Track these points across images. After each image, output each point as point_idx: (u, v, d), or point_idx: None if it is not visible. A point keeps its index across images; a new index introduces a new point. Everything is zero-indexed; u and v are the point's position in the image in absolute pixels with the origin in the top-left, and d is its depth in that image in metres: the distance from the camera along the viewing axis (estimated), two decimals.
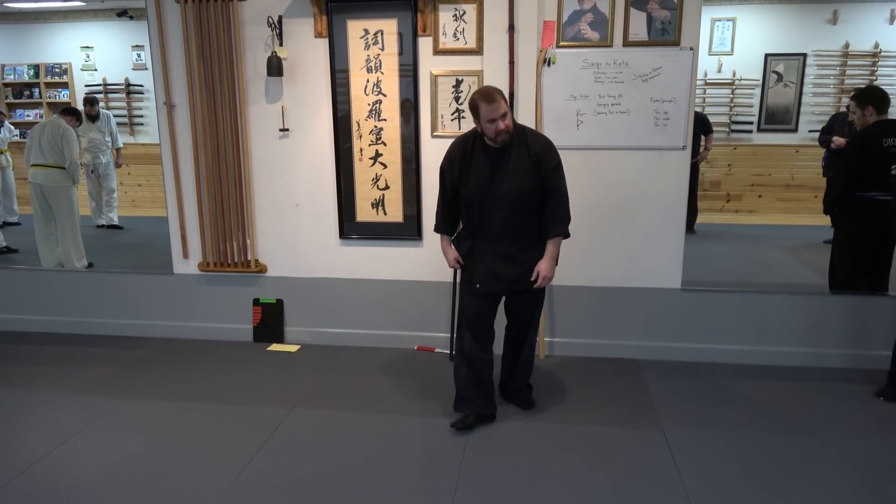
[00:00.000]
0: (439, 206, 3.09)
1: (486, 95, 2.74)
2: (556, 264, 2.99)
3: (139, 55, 7.19)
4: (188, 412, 3.29)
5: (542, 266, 2.91)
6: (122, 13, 6.86)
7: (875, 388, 3.40)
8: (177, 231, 4.12)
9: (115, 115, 7.03)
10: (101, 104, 7.05)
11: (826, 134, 5.67)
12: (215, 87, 3.84)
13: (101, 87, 7.36)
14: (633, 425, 3.11)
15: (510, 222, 2.89)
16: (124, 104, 7.46)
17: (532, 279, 2.92)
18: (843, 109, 6.07)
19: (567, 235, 2.97)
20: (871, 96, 3.77)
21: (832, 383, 3.54)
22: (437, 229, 3.15)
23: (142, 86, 7.32)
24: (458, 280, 3.89)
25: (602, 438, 2.98)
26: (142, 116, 7.42)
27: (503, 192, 2.85)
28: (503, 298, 3.11)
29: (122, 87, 7.38)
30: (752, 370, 3.71)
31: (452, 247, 3.10)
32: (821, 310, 3.75)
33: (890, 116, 3.82)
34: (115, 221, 6.80)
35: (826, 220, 4.65)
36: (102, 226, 6.72)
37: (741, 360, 3.81)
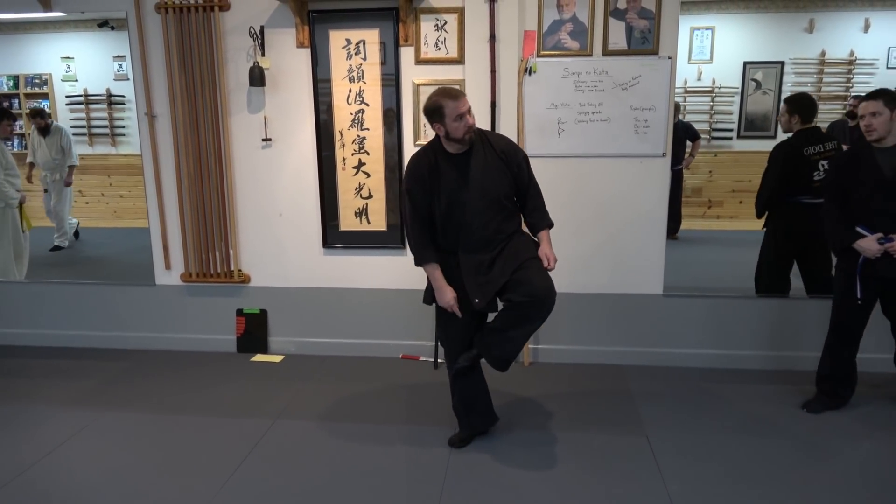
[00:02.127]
0: (415, 232, 2.78)
1: (447, 93, 2.61)
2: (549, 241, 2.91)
3: (121, 66, 7.13)
4: (172, 424, 3.26)
5: (548, 251, 2.82)
6: (104, 24, 6.80)
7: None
8: (159, 242, 4.10)
9: (96, 126, 6.97)
10: (81, 114, 6.98)
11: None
12: (197, 98, 3.84)
13: (81, 98, 7.31)
14: (617, 430, 3.13)
15: (489, 227, 2.73)
16: (106, 115, 7.40)
17: (546, 265, 2.77)
18: (841, 117, 6.17)
19: (552, 225, 2.91)
20: (801, 105, 3.82)
21: (811, 386, 3.57)
22: (419, 261, 2.81)
23: (123, 96, 7.27)
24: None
25: (586, 444, 2.99)
26: (124, 127, 7.36)
27: (477, 196, 2.70)
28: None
29: (104, 97, 7.33)
30: (733, 374, 3.75)
31: (447, 284, 2.78)
32: (801, 313, 3.80)
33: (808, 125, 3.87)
34: (60, 243, 6.17)
35: None
36: (61, 248, 6.16)
37: (723, 364, 3.85)
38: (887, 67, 6.99)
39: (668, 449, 2.95)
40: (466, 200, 2.71)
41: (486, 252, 2.76)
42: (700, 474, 2.75)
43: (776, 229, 3.99)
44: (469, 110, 2.63)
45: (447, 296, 2.77)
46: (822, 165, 3.73)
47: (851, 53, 7.00)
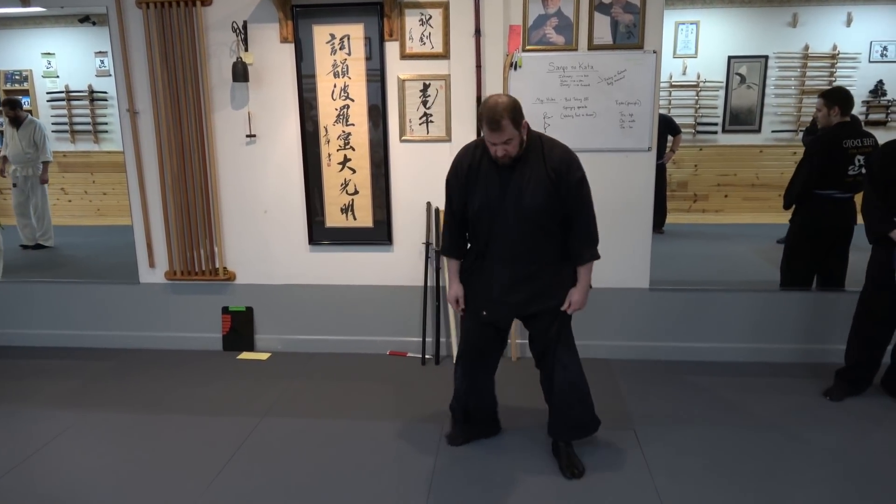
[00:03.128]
0: (446, 223, 2.72)
1: (490, 121, 2.37)
2: (587, 287, 2.66)
3: (102, 61, 7.07)
4: (157, 423, 3.24)
5: (576, 296, 2.60)
6: (85, 19, 6.72)
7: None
8: (142, 240, 4.06)
9: (78, 123, 6.90)
10: (63, 110, 6.90)
11: (810, 135, 5.77)
12: (180, 94, 3.80)
13: (63, 95, 7.22)
14: (605, 424, 3.12)
15: (522, 243, 2.55)
16: (88, 112, 7.32)
17: (563, 308, 2.62)
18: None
19: (598, 257, 2.62)
20: (840, 97, 3.84)
21: (794, 378, 3.61)
22: (443, 251, 2.78)
23: (105, 92, 7.20)
24: (429, 283, 3.90)
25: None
26: (106, 124, 7.29)
27: (514, 209, 2.51)
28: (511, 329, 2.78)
29: (86, 94, 7.25)
30: (719, 367, 3.77)
31: (458, 280, 2.74)
32: (782, 306, 3.83)
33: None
34: (46, 243, 6.14)
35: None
36: (27, 246, 6.07)
37: (709, 357, 3.87)
38: (869, 61, 7.06)
39: (654, 442, 2.97)
40: (500, 210, 2.53)
41: (511, 269, 2.59)
42: (687, 467, 2.77)
43: (804, 223, 3.98)
44: (507, 141, 2.41)
45: (452, 291, 2.75)
46: (859, 160, 3.74)
47: (834, 48, 7.06)
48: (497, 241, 2.58)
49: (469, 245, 2.75)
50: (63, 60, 7.19)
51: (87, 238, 6.65)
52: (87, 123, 7.29)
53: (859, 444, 2.94)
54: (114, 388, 3.66)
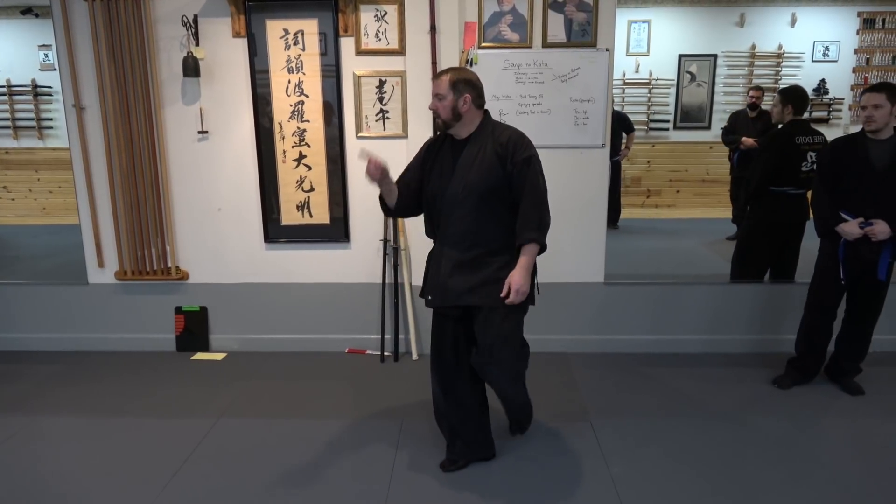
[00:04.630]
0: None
1: (435, 74, 2.63)
2: (529, 267, 2.48)
3: (46, 55, 6.84)
4: (109, 427, 3.15)
5: (515, 276, 2.43)
6: (27, 11, 6.50)
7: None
8: (91, 239, 3.94)
9: (21, 118, 6.67)
10: (5, 105, 6.65)
11: (730, 133, 5.95)
12: (128, 89, 3.70)
13: (5, 89, 6.96)
14: (562, 416, 3.19)
15: (465, 223, 2.50)
16: (32, 107, 7.07)
17: (503, 294, 2.45)
18: (740, 107, 6.39)
19: (542, 244, 2.48)
20: (795, 96, 3.95)
21: (746, 368, 3.72)
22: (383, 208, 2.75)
23: (50, 87, 6.97)
24: (387, 280, 3.89)
25: (531, 431, 3.03)
26: (51, 119, 7.06)
27: (461, 186, 2.48)
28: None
29: (29, 88, 7.00)
30: (674, 359, 3.87)
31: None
32: (733, 299, 3.94)
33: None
34: None
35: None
36: None
37: (662, 349, 3.96)
38: (812, 60, 7.31)
39: (610, 433, 3.03)
40: (448, 188, 2.51)
41: (457, 250, 2.53)
42: (642, 456, 2.83)
43: (760, 219, 4.09)
44: (437, 95, 2.47)
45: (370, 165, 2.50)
46: (811, 157, 3.85)
47: (780, 47, 7.29)
48: (445, 221, 2.55)
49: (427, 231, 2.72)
50: (4, 54, 6.93)
51: (32, 238, 6.43)
52: (31, 119, 7.04)
53: (806, 431, 3.05)
54: (63, 392, 3.55)
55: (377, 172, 2.49)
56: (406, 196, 2.65)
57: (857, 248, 3.16)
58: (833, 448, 2.90)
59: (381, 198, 2.69)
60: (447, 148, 2.58)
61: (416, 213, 2.74)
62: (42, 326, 4.12)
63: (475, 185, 2.46)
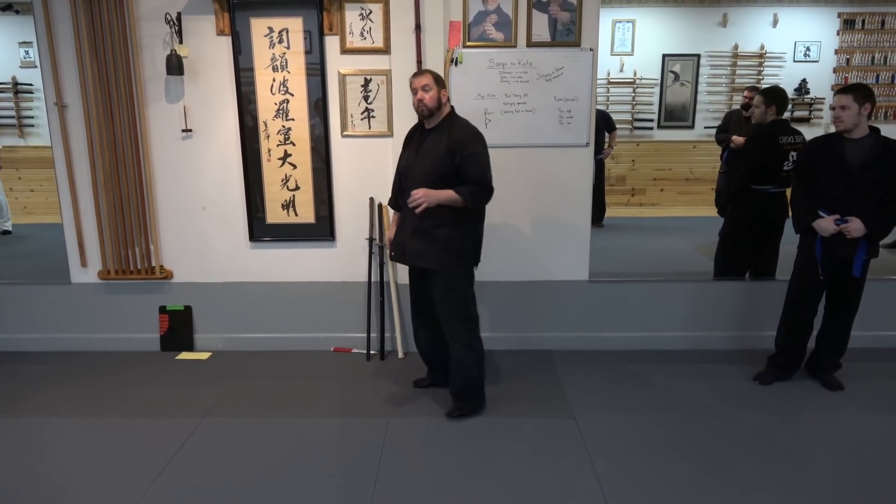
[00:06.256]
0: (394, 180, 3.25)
1: (418, 72, 2.99)
2: (442, 202, 2.88)
3: (27, 52, 6.76)
4: (92, 427, 3.13)
5: (426, 190, 2.89)
6: (7, 7, 6.42)
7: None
8: (73, 238, 3.91)
9: (2, 117, 6.59)
10: None
11: (723, 132, 6.01)
12: (111, 87, 3.67)
13: None
14: (547, 413, 3.21)
15: None
16: (12, 104, 6.99)
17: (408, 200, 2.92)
18: (736, 107, 6.46)
19: (467, 204, 2.89)
20: (777, 96, 4.00)
21: (729, 364, 3.76)
22: (389, 203, 3.32)
23: (31, 84, 6.89)
24: (373, 279, 3.90)
25: (517, 428, 3.06)
26: (32, 117, 6.98)
27: (418, 171, 2.97)
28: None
29: (10, 86, 6.92)
30: (655, 355, 3.90)
31: (394, 228, 3.24)
32: (716, 295, 3.98)
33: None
34: (7, 226, 6.38)
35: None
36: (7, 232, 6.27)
37: (646, 346, 4.00)
38: (794, 61, 7.40)
39: (595, 429, 3.05)
40: (412, 168, 3.01)
41: (414, 220, 2.97)
42: (625, 453, 2.86)
43: (741, 217, 4.14)
44: (423, 87, 2.91)
45: (389, 236, 3.33)
46: (792, 156, 3.90)
47: (762, 47, 7.37)
48: (406, 197, 3.00)
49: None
50: None
51: (13, 237, 6.35)
52: (12, 117, 6.96)
53: (786, 425, 3.10)
54: (45, 392, 3.52)
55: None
56: (399, 183, 3.15)
57: (834, 246, 3.21)
58: (813, 443, 2.94)
59: (389, 203, 3.30)
60: (421, 135, 3.07)
61: None
62: (25, 326, 4.08)
63: (430, 170, 2.94)
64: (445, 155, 2.90)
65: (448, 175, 2.91)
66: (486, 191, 2.94)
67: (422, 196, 2.87)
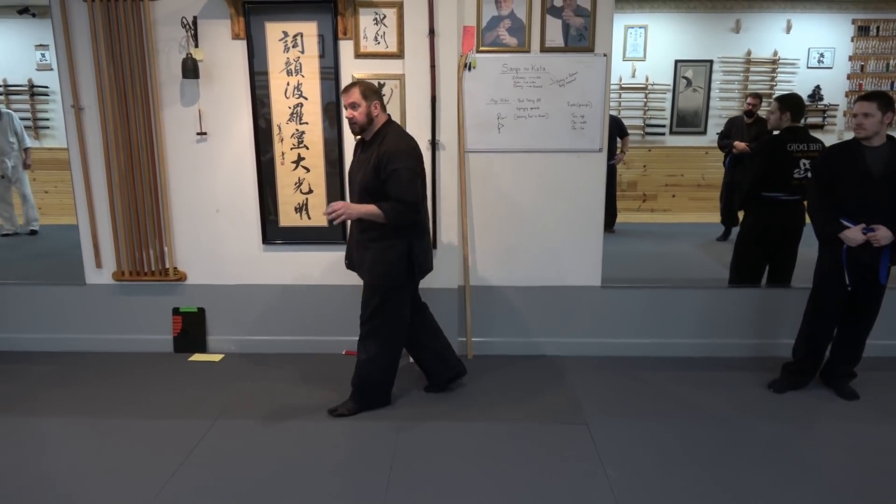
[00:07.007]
0: None
1: (346, 87, 2.99)
2: (363, 216, 2.94)
3: (43, 55, 6.84)
4: (105, 428, 3.15)
5: (343, 203, 2.96)
6: (24, 10, 6.49)
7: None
8: (88, 239, 3.94)
9: (18, 118, 6.65)
10: (2, 105, 6.65)
11: (725, 138, 6.01)
12: (127, 90, 3.70)
13: (1, 89, 6.95)
14: (558, 420, 3.20)
15: None
16: (28, 107, 7.07)
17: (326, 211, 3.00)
18: (737, 114, 6.44)
19: (388, 220, 2.92)
20: (793, 103, 3.98)
21: (743, 372, 3.74)
22: None
23: (47, 87, 6.96)
24: None
25: (528, 434, 3.05)
26: (48, 119, 7.06)
27: (354, 182, 3.08)
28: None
29: (26, 88, 7.00)
30: (670, 362, 3.88)
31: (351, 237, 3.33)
32: (729, 303, 3.96)
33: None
34: (35, 227, 6.49)
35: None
36: (8, 234, 6.35)
37: (659, 353, 3.98)
38: (807, 67, 7.37)
39: (607, 436, 3.04)
40: (352, 180, 3.13)
41: (356, 229, 3.13)
42: (638, 459, 2.85)
43: (753, 225, 4.12)
44: (351, 105, 2.94)
45: None
46: (804, 164, 3.87)
47: (775, 53, 7.34)
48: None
49: None
50: (1, 54, 6.93)
51: (28, 238, 6.41)
52: (28, 119, 7.03)
53: (800, 434, 3.07)
54: (59, 392, 3.54)
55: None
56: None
57: (858, 254, 3.18)
58: (827, 452, 2.92)
59: None
60: (359, 147, 3.14)
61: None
62: (39, 327, 4.11)
63: (361, 184, 3.00)
64: (372, 170, 2.93)
65: (376, 189, 2.94)
66: (406, 207, 2.93)
67: (341, 208, 2.93)
